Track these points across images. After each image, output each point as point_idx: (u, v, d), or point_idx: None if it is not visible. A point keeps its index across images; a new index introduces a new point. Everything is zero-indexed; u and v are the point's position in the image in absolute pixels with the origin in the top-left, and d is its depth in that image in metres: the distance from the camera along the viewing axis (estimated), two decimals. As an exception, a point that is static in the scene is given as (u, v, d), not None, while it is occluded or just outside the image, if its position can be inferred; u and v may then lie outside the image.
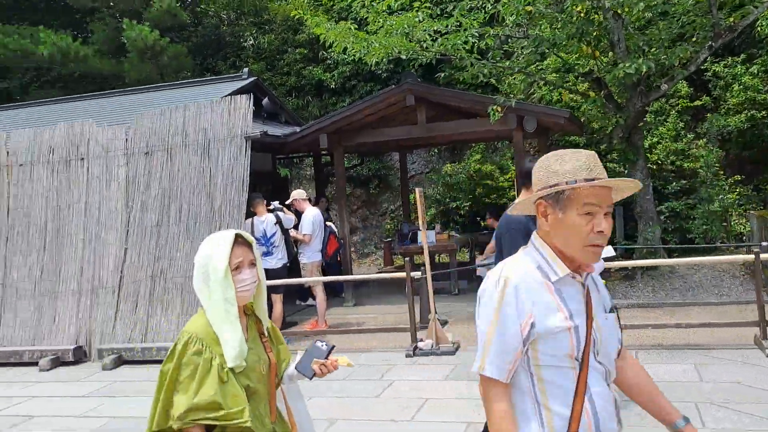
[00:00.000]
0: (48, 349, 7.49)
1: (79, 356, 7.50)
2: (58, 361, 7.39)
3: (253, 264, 2.10)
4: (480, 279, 9.27)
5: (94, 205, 7.99)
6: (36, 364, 7.35)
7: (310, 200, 8.51)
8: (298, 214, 8.29)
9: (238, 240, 2.09)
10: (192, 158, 7.72)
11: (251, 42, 15.66)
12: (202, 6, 17.59)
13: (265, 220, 7.53)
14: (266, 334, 2.22)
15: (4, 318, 7.96)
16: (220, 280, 2.01)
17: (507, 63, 8.90)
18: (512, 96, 8.84)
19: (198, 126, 7.76)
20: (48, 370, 7.23)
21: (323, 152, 11.93)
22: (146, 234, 7.69)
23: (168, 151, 7.80)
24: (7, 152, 8.42)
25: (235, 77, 10.98)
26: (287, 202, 8.43)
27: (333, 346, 2.19)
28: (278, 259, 7.59)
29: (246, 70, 10.86)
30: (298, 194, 8.13)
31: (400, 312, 8.59)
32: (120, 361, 7.18)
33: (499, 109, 7.96)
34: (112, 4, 14.78)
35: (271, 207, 7.73)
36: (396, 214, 15.22)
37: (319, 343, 2.19)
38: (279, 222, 7.60)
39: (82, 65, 13.91)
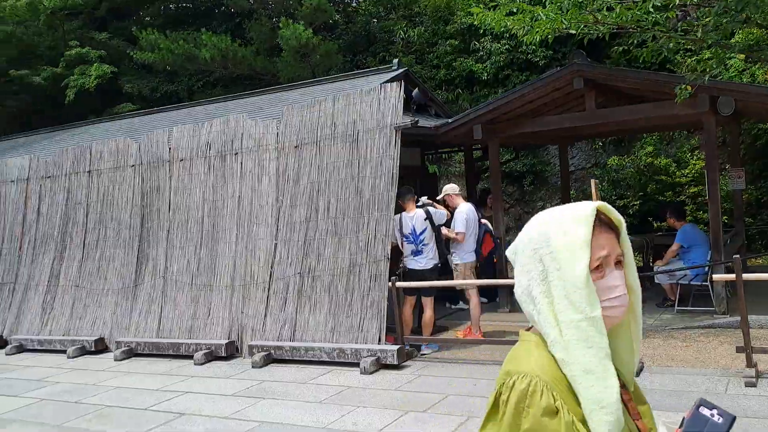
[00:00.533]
0: (203, 343, 7.55)
1: (231, 351, 7.47)
2: (212, 356, 7.41)
3: (620, 262, 1.22)
4: (658, 286, 8.07)
5: (246, 200, 7.96)
6: (191, 357, 7.43)
7: (469, 196, 7.85)
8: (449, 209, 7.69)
9: (601, 219, 1.22)
10: (340, 151, 7.39)
11: (401, 36, 15.32)
12: (353, 5, 17.65)
13: (415, 216, 7.00)
14: (627, 387, 1.27)
15: (164, 310, 8.20)
16: (577, 288, 1.15)
17: (699, 34, 7.58)
18: (702, 73, 7.52)
19: (347, 117, 7.42)
20: (202, 364, 7.26)
21: (476, 145, 11.21)
22: (295, 229, 7.50)
23: (317, 144, 7.55)
24: (170, 148, 8.69)
25: (384, 69, 10.61)
26: (438, 197, 7.84)
27: (733, 418, 1.20)
28: (428, 259, 7.03)
29: (396, 60, 10.46)
30: (450, 188, 7.51)
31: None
32: (269, 359, 7.02)
33: (689, 87, 6.73)
34: (270, 4, 15.21)
35: (420, 202, 7.18)
36: (552, 213, 14.08)
37: (706, 411, 1.21)
38: (429, 218, 7.03)
39: (240, 66, 14.44)
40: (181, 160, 8.57)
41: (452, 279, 7.42)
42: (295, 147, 7.70)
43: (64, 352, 8.38)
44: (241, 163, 8.08)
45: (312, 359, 6.81)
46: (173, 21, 16.97)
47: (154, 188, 8.75)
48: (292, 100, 10.45)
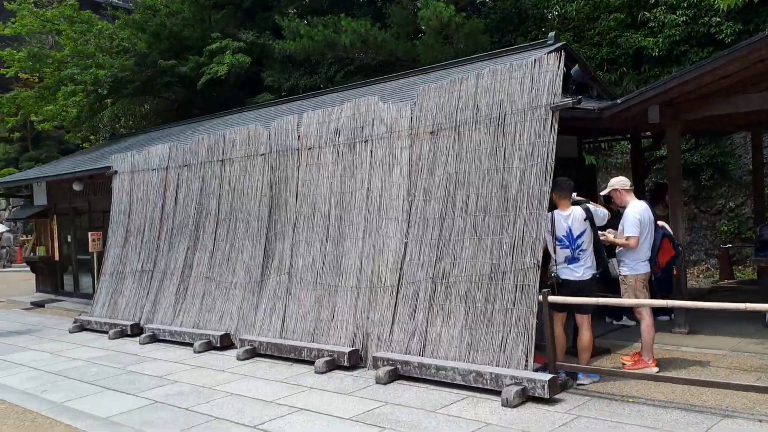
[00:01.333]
0: (325, 349, 6.86)
1: (355, 361, 6.70)
2: (334, 364, 6.69)
3: None
4: None
5: (375, 192, 7.13)
6: (312, 363, 6.77)
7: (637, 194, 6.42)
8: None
9: None
10: (483, 137, 6.29)
11: (557, 12, 13.77)
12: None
13: (571, 215, 5.72)
14: None
15: (289, 309, 7.64)
16: None
17: None
18: None
19: (492, 97, 6.29)
20: (323, 372, 6.56)
21: (645, 132, 9.53)
22: (428, 227, 6.53)
23: (455, 129, 6.50)
24: (298, 136, 8.12)
25: (538, 44, 9.30)
26: (603, 193, 6.47)
27: None
28: (586, 267, 5.72)
29: (552, 34, 9.08)
30: (619, 182, 6.11)
31: (762, 349, 6.03)
32: (395, 375, 6.13)
33: None
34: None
35: (577, 199, 5.89)
36: (736, 213, 11.86)
37: None
38: (589, 218, 5.72)
39: (380, 51, 13.78)
40: (309, 148, 7.95)
41: (616, 293, 6.04)
42: (431, 133, 6.72)
43: (191, 345, 8.16)
44: (371, 152, 7.26)
45: (443, 380, 5.82)
46: (314, 10, 16.74)
47: (282, 178, 8.23)
48: (429, 82, 9.50)
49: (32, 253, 15.42)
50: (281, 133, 8.32)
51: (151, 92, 16.82)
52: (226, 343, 8.09)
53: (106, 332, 9.68)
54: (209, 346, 8.08)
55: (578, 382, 5.62)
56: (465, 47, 13.29)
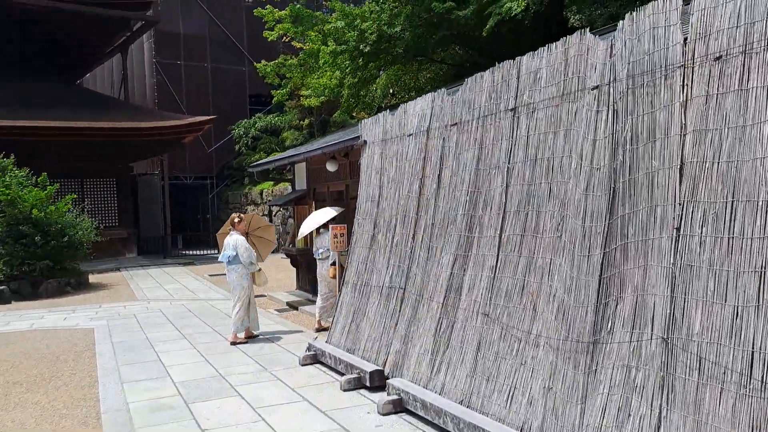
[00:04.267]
0: None
1: None
2: None
3: None
4: None
5: None
6: None
7: None
8: None
9: None
10: None
11: None
12: None
13: None
14: None
15: (671, 413, 3.40)
16: None
17: None
18: None
19: None
20: None
21: None
22: None
23: None
24: (684, 39, 3.74)
25: None
26: None
27: None
28: None
29: None
30: None
31: None
32: None
33: None
34: None
35: None
36: None
37: None
38: None
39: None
40: (717, 58, 3.53)
41: None
42: None
43: (456, 441, 4.47)
44: None
45: None
46: None
47: (639, 132, 3.97)
48: None
49: (291, 245, 13.60)
50: (640, 39, 4.05)
51: (424, 52, 13.76)
52: (519, 451, 4.21)
53: (341, 373, 6.62)
54: (488, 453, 4.30)
55: None
56: None
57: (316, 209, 12.64)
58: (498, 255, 5.01)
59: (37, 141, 20.18)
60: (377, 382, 6.07)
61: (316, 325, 9.49)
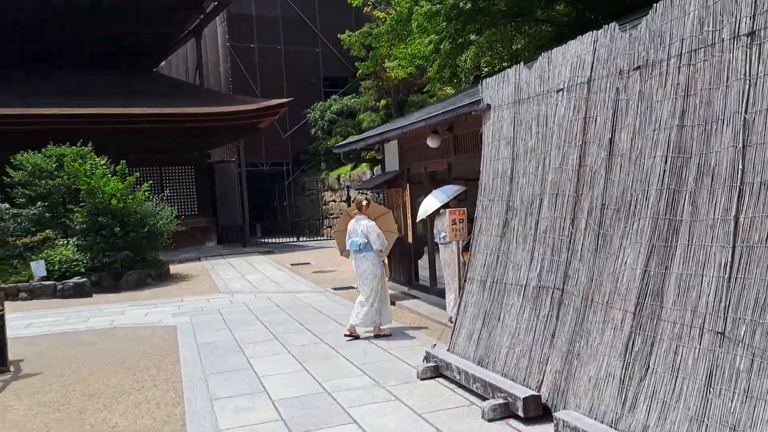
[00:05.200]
0: None
1: None
2: None
3: None
4: None
5: None
6: None
7: None
8: None
9: None
10: None
11: None
12: None
13: None
14: None
15: None
16: None
17: None
18: None
19: None
20: None
21: None
22: None
23: None
24: None
25: None
26: None
27: None
28: None
29: None
30: None
31: None
32: None
33: None
34: None
35: None
36: None
37: None
38: None
39: None
40: None
41: None
42: None
43: None
44: None
45: None
46: None
47: None
48: None
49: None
50: None
51: (527, 10, 12.06)
52: None
53: (476, 394, 5.27)
54: None
55: None
56: None
57: (410, 192, 11.32)
58: (734, 248, 3.47)
59: (114, 129, 19.81)
60: (533, 411, 4.66)
61: (451, 317, 8.29)
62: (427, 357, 6.22)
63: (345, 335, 7.92)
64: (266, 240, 25.70)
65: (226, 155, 27.91)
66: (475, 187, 6.56)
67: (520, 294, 5.41)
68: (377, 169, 23.44)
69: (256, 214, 28.61)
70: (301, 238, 25.23)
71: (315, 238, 25.50)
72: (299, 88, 28.26)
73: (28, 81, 21.66)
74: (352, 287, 12.60)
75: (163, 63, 31.29)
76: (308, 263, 17.47)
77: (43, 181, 15.42)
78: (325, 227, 26.07)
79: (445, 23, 11.22)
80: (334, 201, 26.12)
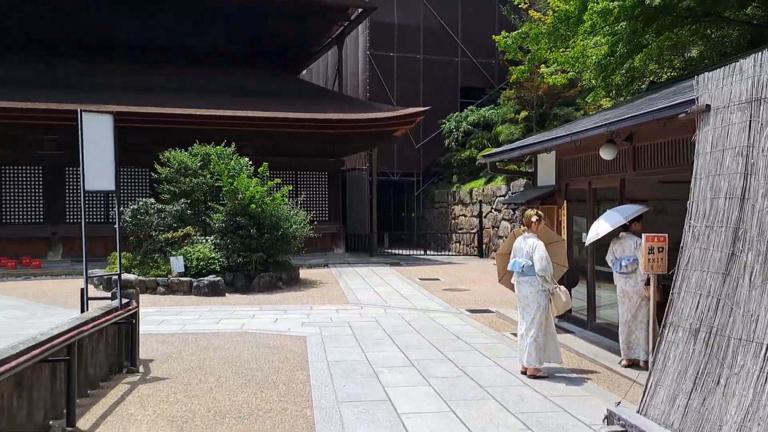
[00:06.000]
0: None
1: None
2: None
3: None
4: None
5: None
6: None
7: None
8: None
9: None
10: None
11: None
12: None
13: None
14: None
15: None
16: None
17: None
18: None
19: None
20: None
21: None
22: None
23: None
24: None
25: None
26: None
27: None
28: None
29: None
30: None
31: None
32: None
33: None
34: None
35: None
36: None
37: None
38: None
39: None
40: None
41: None
42: None
43: None
44: None
45: None
46: None
47: None
48: None
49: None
50: None
51: (717, 11, 10.33)
52: None
53: (689, 482, 3.97)
54: None
55: None
56: None
57: (567, 210, 10.01)
58: None
59: (255, 131, 20.09)
60: None
61: (623, 362, 7.01)
62: (610, 417, 4.98)
63: (521, 371, 6.88)
64: (392, 251, 25.12)
65: (358, 163, 27.76)
66: (654, 209, 5.24)
67: (757, 355, 4.05)
68: (515, 184, 22.06)
69: (384, 223, 28.19)
70: (428, 252, 24.38)
71: (442, 253, 24.54)
72: (435, 98, 27.52)
73: (182, 80, 22.63)
74: (489, 311, 11.48)
75: (304, 72, 31.93)
76: (437, 279, 16.51)
77: (188, 179, 15.73)
78: (453, 242, 25.04)
79: (625, 23, 9.81)
80: (465, 216, 25.03)
